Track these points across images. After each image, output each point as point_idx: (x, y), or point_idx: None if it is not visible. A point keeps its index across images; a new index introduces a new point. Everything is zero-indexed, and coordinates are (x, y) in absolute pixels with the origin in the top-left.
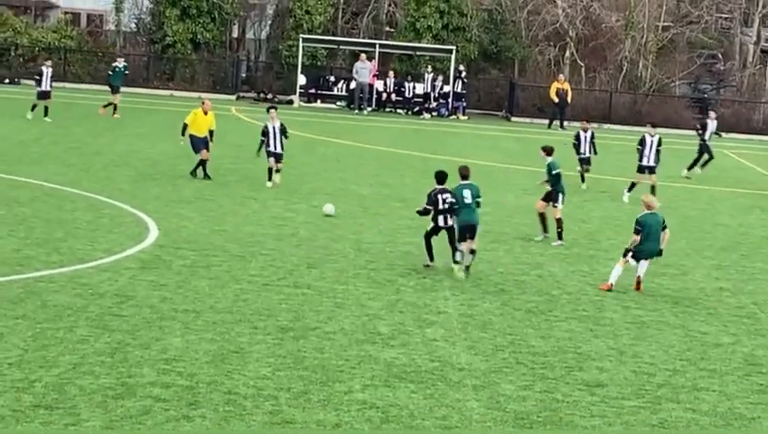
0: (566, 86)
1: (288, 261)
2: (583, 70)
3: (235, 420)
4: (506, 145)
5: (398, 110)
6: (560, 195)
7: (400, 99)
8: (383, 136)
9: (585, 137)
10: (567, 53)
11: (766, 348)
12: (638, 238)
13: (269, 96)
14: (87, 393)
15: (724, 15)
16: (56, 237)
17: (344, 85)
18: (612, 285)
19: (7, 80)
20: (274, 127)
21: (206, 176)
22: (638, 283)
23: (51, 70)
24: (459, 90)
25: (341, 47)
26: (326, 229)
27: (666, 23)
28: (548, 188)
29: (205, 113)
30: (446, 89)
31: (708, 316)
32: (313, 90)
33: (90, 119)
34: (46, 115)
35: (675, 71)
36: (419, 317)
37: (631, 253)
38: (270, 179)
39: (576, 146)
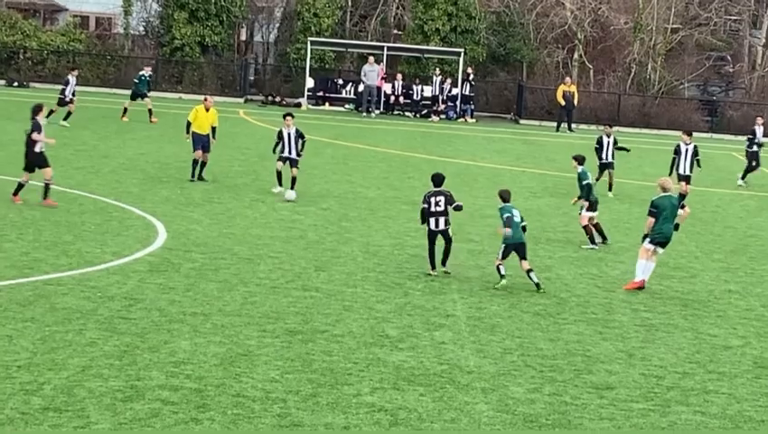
0: (573, 88)
1: (296, 264)
2: (591, 72)
3: (243, 423)
4: (514, 147)
5: (406, 113)
6: (585, 204)
7: (408, 101)
8: (391, 139)
9: (608, 143)
10: (576, 56)
11: None
12: (653, 220)
13: (277, 99)
14: (95, 396)
15: (733, 17)
16: (65, 240)
17: (352, 88)
18: (644, 281)
19: (16, 83)
20: (289, 134)
21: (200, 178)
22: (640, 285)
23: (75, 78)
24: (467, 93)
25: (349, 50)
26: (334, 231)
27: (675, 26)
28: (584, 203)
29: (207, 109)
30: (454, 91)
31: (717, 318)
32: (321, 93)
33: (98, 122)
34: (65, 119)
35: (684, 74)
36: (428, 320)
37: (650, 240)
38: (280, 184)
39: (599, 151)
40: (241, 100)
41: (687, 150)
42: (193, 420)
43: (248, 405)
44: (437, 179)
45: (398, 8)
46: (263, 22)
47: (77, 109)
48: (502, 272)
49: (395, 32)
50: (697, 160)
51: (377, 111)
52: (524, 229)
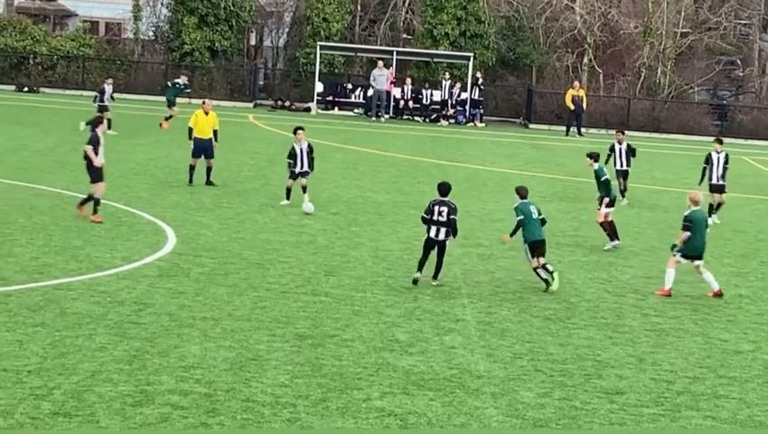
0: (582, 93)
1: (306, 269)
2: (601, 76)
3: (253, 428)
4: (524, 152)
5: (416, 117)
6: (606, 200)
7: (418, 106)
8: (400, 144)
9: (621, 149)
10: (585, 60)
11: None
12: (688, 234)
13: (287, 104)
14: (105, 401)
15: (742, 22)
16: (74, 245)
17: (362, 92)
18: (670, 289)
19: (26, 88)
20: (301, 149)
21: (209, 183)
22: (718, 293)
23: (111, 87)
24: (476, 97)
25: (358, 54)
26: (344, 236)
27: (684, 30)
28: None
29: (206, 113)
30: (464, 96)
31: (728, 323)
32: (330, 98)
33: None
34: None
35: (694, 78)
36: (437, 325)
37: (680, 253)
38: (288, 198)
39: (610, 158)
40: (251, 105)
41: (719, 159)
42: (203, 425)
43: (258, 410)
44: (443, 188)
45: (407, 13)
46: (272, 26)
47: (87, 115)
48: (543, 276)
49: (404, 36)
50: (725, 169)
51: (386, 116)
52: (543, 222)
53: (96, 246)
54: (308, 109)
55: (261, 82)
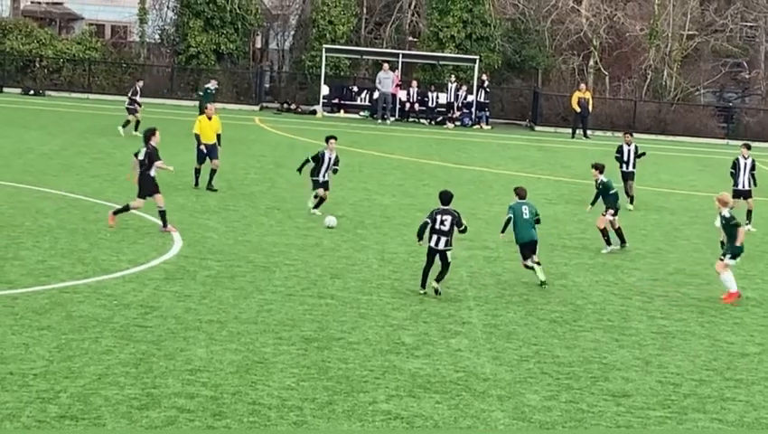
0: (588, 95)
1: (312, 271)
2: (607, 79)
3: (259, 431)
4: (529, 154)
5: (422, 120)
6: (611, 209)
7: (423, 108)
8: (406, 146)
9: (629, 151)
10: (591, 62)
11: None
12: (743, 230)
13: (293, 106)
14: (112, 404)
15: (748, 24)
16: (81, 248)
17: (367, 95)
18: (738, 292)
19: (32, 92)
20: (330, 158)
21: (210, 188)
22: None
23: (140, 88)
24: (482, 100)
25: (364, 57)
26: (350, 239)
27: (690, 32)
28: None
29: (209, 118)
30: (470, 98)
31: (734, 325)
32: (336, 100)
33: (114, 131)
34: (135, 129)
35: (700, 80)
36: (443, 328)
37: (730, 255)
38: (317, 206)
39: (619, 160)
40: (257, 108)
41: (745, 164)
42: (209, 428)
43: (264, 413)
44: (445, 197)
45: (413, 15)
46: (278, 29)
47: (93, 118)
48: (542, 278)
49: (410, 39)
50: (753, 174)
51: (392, 118)
52: (538, 221)
53: (102, 249)
54: (314, 112)
55: (267, 85)
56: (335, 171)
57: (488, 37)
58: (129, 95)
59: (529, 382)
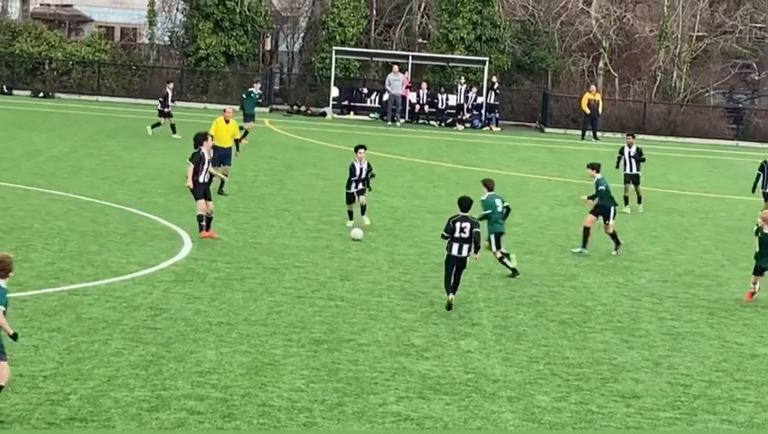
0: (598, 96)
1: (322, 273)
2: (617, 80)
3: (269, 433)
4: (539, 156)
5: (431, 122)
6: (612, 210)
7: (433, 110)
8: (416, 148)
9: (629, 153)
10: (601, 64)
11: None
12: None
13: (302, 108)
14: (121, 406)
15: (758, 25)
16: (90, 250)
17: (377, 97)
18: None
19: (42, 94)
20: (362, 168)
21: (221, 192)
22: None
23: (171, 91)
24: (492, 102)
25: (373, 59)
26: (360, 241)
27: (700, 33)
28: (592, 204)
29: (227, 121)
30: (479, 100)
31: (744, 326)
32: (346, 102)
33: (124, 133)
34: (174, 132)
35: (709, 81)
36: (453, 329)
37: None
38: (352, 218)
39: (619, 161)
40: (266, 110)
41: None
42: (219, 430)
43: (274, 415)
44: (464, 203)
45: (422, 17)
46: (288, 31)
47: (103, 120)
48: (510, 265)
49: (420, 41)
50: None
51: (402, 120)
52: (508, 210)
53: (112, 251)
54: (324, 114)
55: (277, 87)
56: (372, 177)
57: (497, 39)
58: (160, 98)
59: (538, 383)
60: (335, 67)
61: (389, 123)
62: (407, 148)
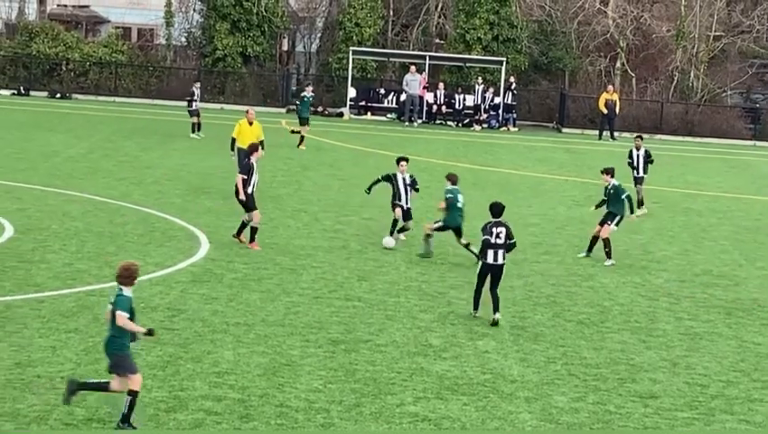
0: (615, 97)
1: (339, 274)
2: (634, 80)
3: (287, 433)
4: (556, 156)
5: (449, 122)
6: (617, 217)
7: (450, 111)
8: (433, 148)
9: (638, 156)
10: (618, 64)
11: None
12: None
13: (319, 109)
14: (139, 406)
15: None
16: (108, 251)
17: (394, 97)
18: None
19: (59, 95)
20: (404, 179)
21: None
22: None
23: (198, 90)
24: (509, 102)
25: (390, 59)
26: (377, 241)
27: (717, 33)
28: (603, 210)
29: (250, 123)
30: (497, 100)
31: (762, 326)
32: (363, 103)
33: (141, 133)
34: (198, 130)
35: (726, 81)
36: (471, 329)
37: None
38: (392, 233)
39: (630, 165)
40: (283, 111)
41: None
42: (237, 431)
43: (292, 415)
44: (496, 209)
45: (439, 17)
46: (305, 32)
47: (120, 120)
48: (473, 250)
49: (437, 41)
50: None
51: (419, 121)
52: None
53: (129, 252)
54: (341, 114)
55: (294, 88)
56: (416, 190)
57: (515, 39)
58: (187, 97)
59: (556, 383)
60: (352, 67)
61: (407, 123)
62: (423, 149)
